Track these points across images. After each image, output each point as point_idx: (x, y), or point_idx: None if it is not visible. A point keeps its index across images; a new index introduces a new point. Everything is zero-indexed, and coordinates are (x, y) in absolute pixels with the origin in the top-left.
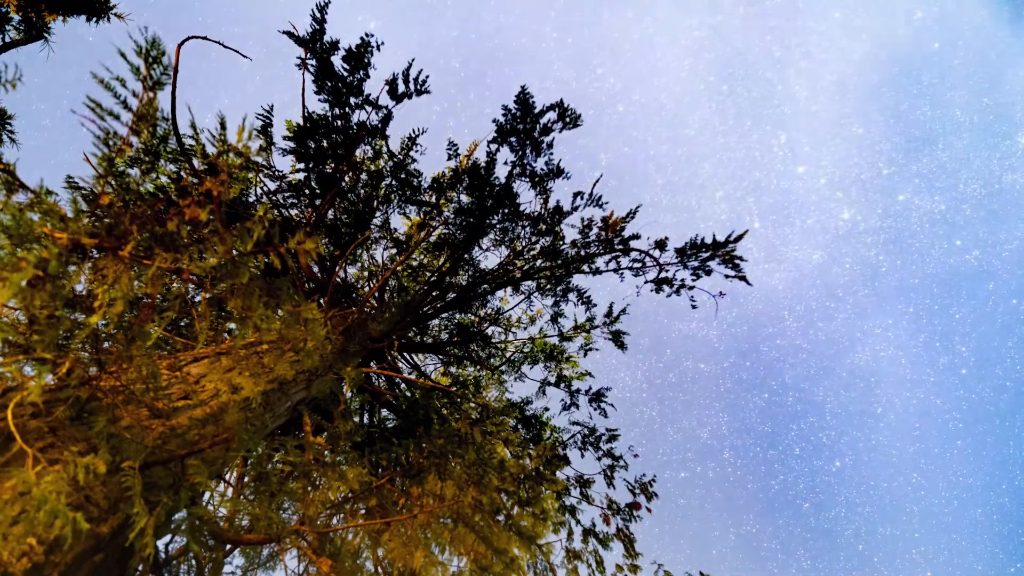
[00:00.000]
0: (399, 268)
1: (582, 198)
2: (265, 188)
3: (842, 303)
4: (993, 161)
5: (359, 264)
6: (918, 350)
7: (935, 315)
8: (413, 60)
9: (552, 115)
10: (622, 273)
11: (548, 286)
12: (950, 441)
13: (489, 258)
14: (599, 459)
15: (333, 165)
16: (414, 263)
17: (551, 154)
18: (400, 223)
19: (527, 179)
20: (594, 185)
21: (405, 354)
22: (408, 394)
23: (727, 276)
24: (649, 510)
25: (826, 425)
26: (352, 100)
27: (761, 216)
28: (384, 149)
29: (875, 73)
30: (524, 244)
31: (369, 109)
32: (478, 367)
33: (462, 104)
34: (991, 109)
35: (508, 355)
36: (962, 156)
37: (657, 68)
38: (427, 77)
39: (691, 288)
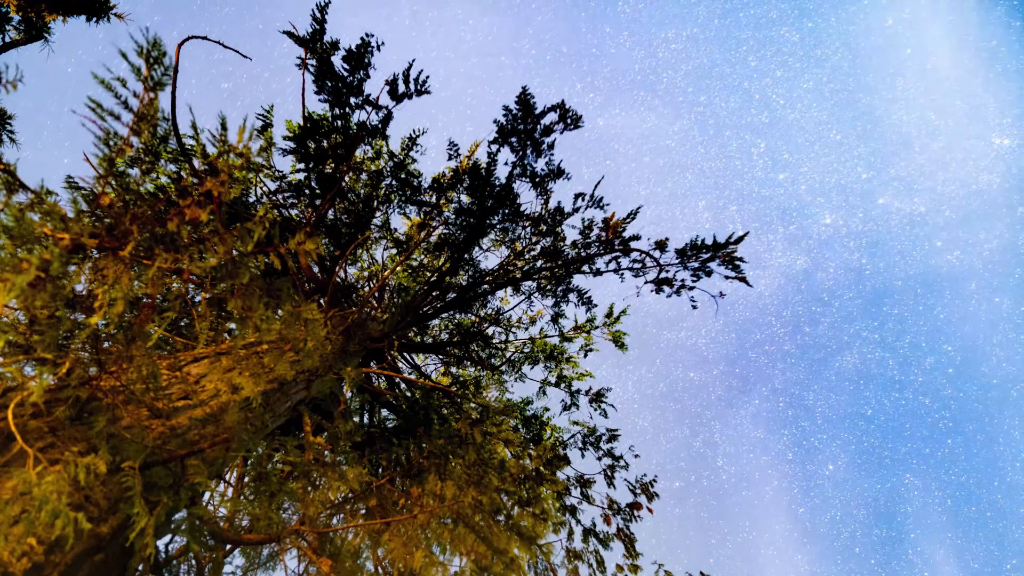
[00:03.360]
0: (399, 268)
1: (583, 199)
2: (265, 188)
3: (828, 307)
4: (969, 162)
5: (359, 264)
6: (905, 351)
7: (920, 316)
8: (413, 60)
9: (553, 116)
10: (622, 274)
11: (548, 286)
12: (940, 440)
13: (489, 258)
14: (599, 459)
15: (333, 165)
16: (414, 263)
17: (552, 155)
18: (400, 223)
19: (528, 180)
20: (595, 187)
21: (405, 354)
22: (408, 394)
23: (727, 277)
24: (650, 510)
25: (817, 429)
26: (352, 100)
27: (744, 224)
28: (384, 149)
29: (850, 79)
30: (524, 244)
31: (369, 109)
32: (478, 367)
33: (443, 123)
34: (964, 112)
35: (508, 355)
36: (938, 158)
37: (635, 81)
38: (427, 77)
39: (691, 289)
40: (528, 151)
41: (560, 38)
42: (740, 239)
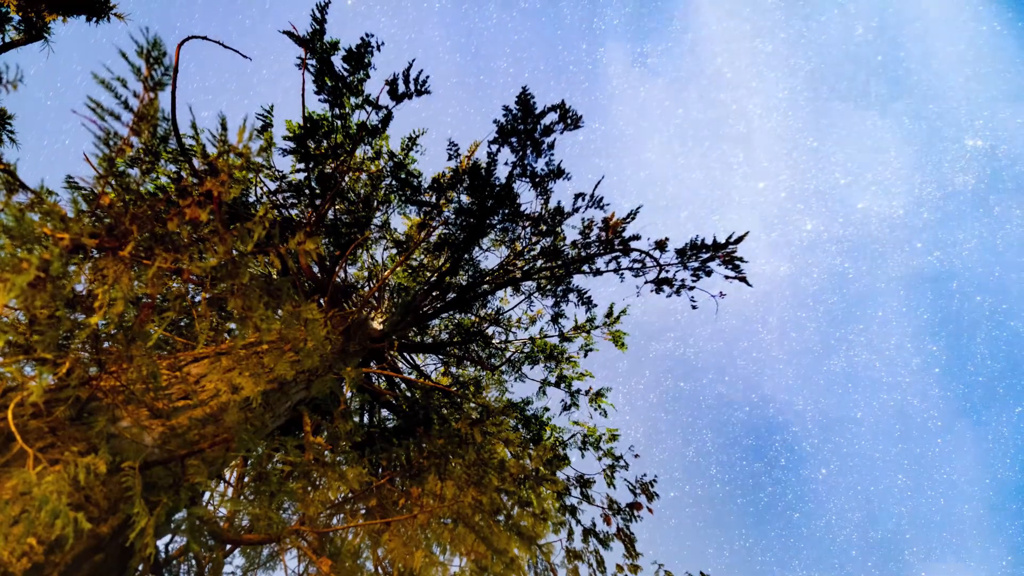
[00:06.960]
0: (399, 268)
1: (583, 199)
2: (265, 188)
3: (813, 312)
4: (944, 164)
5: (359, 264)
6: (891, 352)
7: (904, 317)
8: (413, 60)
9: (553, 116)
10: (622, 273)
11: (548, 286)
12: (931, 440)
13: (489, 258)
14: (599, 459)
15: (333, 165)
16: (414, 263)
17: (552, 155)
18: (400, 223)
19: (528, 180)
20: (595, 186)
21: (405, 354)
22: (408, 394)
23: (727, 277)
24: (650, 510)
25: (809, 434)
26: (352, 100)
27: (727, 233)
28: (384, 149)
29: (824, 88)
30: (524, 244)
31: (369, 109)
32: (478, 367)
33: (427, 140)
34: (937, 115)
35: (508, 355)
36: (914, 162)
37: (614, 96)
38: (427, 77)
39: (691, 289)
40: (528, 151)
41: (538, 56)
42: (740, 239)
